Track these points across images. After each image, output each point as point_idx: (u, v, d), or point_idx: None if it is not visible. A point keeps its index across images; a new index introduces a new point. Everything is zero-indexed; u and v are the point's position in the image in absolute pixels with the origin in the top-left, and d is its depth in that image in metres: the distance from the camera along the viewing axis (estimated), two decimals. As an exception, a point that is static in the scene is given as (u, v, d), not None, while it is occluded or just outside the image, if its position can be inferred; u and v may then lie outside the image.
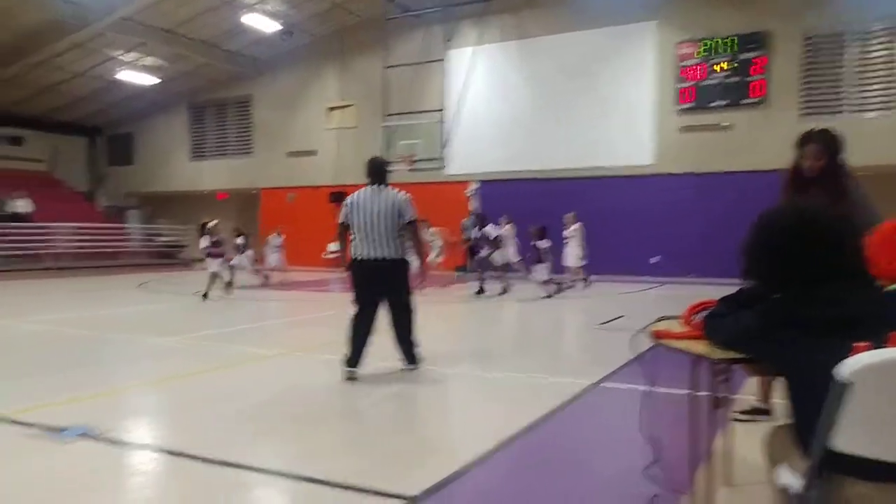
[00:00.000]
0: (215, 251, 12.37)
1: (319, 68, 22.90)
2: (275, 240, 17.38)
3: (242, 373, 6.22)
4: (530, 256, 12.79)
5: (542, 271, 12.48)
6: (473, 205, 18.70)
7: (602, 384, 5.53)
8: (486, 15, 19.34)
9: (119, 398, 5.34)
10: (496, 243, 13.56)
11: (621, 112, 17.84)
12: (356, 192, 5.90)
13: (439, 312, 11.01)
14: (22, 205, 20.53)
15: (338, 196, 22.21)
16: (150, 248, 23.33)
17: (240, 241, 15.60)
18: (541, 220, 13.11)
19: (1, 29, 17.95)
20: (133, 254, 21.86)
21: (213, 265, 12.25)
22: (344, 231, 5.97)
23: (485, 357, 7.13)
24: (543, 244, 12.43)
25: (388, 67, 18.82)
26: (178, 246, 24.28)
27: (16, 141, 24.49)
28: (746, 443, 3.43)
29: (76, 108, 24.31)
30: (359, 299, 5.78)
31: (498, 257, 13.64)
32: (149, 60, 21.16)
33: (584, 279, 14.83)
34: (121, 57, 20.53)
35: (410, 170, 18.82)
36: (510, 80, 19.66)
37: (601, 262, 15.72)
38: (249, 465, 3.57)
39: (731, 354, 2.16)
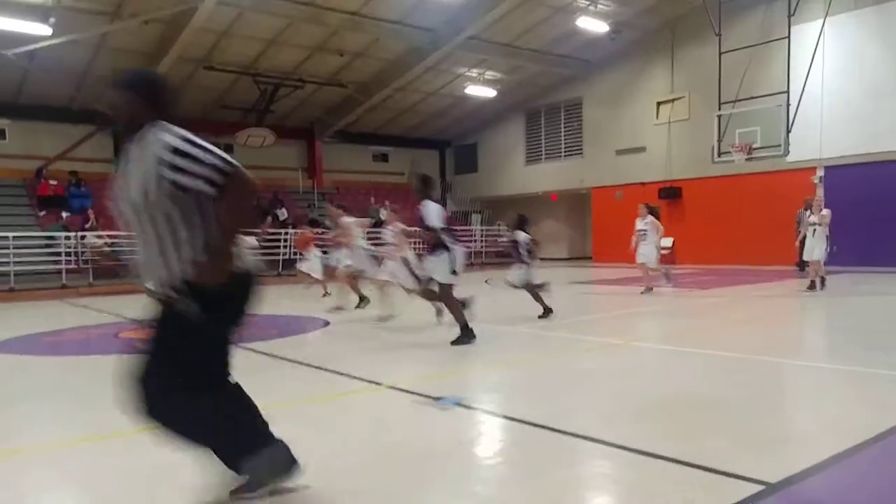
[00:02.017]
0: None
1: (648, 63, 22.49)
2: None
3: (586, 358, 6.43)
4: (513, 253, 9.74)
5: (519, 274, 9.47)
6: (818, 193, 16.70)
7: None
8: (838, -20, 17.14)
9: (476, 376, 5.93)
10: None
11: None
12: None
13: (778, 307, 10.05)
14: (385, 213, 23.95)
15: (668, 191, 21.61)
16: (491, 248, 25.31)
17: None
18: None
19: (372, 61, 21.16)
20: (477, 253, 23.94)
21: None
22: None
23: (835, 350, 6.59)
24: (522, 238, 9.47)
25: (724, 53, 17.63)
26: (514, 245, 25.85)
27: (383, 157, 28.67)
28: None
29: (430, 125, 27.52)
30: None
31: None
32: (489, 74, 23.02)
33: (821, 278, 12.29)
34: (466, 73, 22.68)
35: (748, 159, 17.42)
36: (867, 51, 17.28)
37: None
38: (610, 442, 3.69)
39: None
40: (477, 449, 3.91)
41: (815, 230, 11.97)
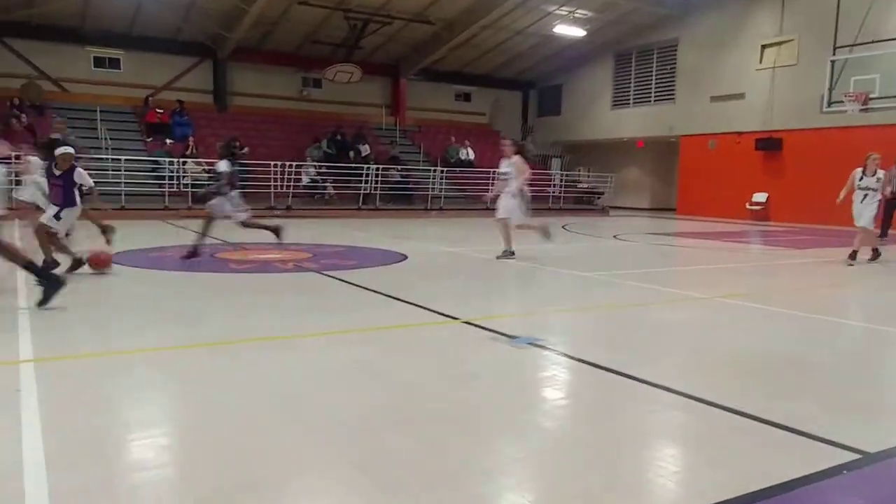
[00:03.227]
0: None
1: (755, 2, 21.06)
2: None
3: (665, 310, 6.28)
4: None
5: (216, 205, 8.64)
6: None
7: None
8: None
9: (551, 318, 5.89)
10: None
11: None
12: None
13: (877, 272, 9.49)
14: (465, 153, 23.75)
15: (767, 143, 20.47)
16: (569, 194, 24.84)
17: None
18: None
19: (460, -3, 20.71)
20: (555, 198, 23.55)
21: None
22: None
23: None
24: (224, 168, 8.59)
25: (843, -8, 16.29)
26: (596, 193, 25.34)
27: (465, 97, 28.30)
28: None
29: (514, 65, 26.87)
30: None
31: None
32: (580, 13, 22.13)
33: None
34: (556, 11, 21.89)
35: (863, 110, 16.20)
36: None
37: None
38: (685, 392, 3.60)
39: None
40: (548, 387, 3.90)
41: (866, 194, 9.87)
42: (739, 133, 21.41)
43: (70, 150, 6.92)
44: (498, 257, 9.38)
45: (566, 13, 22.06)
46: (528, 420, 3.27)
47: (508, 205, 9.46)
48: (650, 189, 27.93)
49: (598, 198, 25.11)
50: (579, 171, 26.62)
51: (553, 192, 23.35)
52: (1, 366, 3.83)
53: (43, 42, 19.73)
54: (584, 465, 2.73)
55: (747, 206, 21.13)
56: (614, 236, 14.19)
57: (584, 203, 24.78)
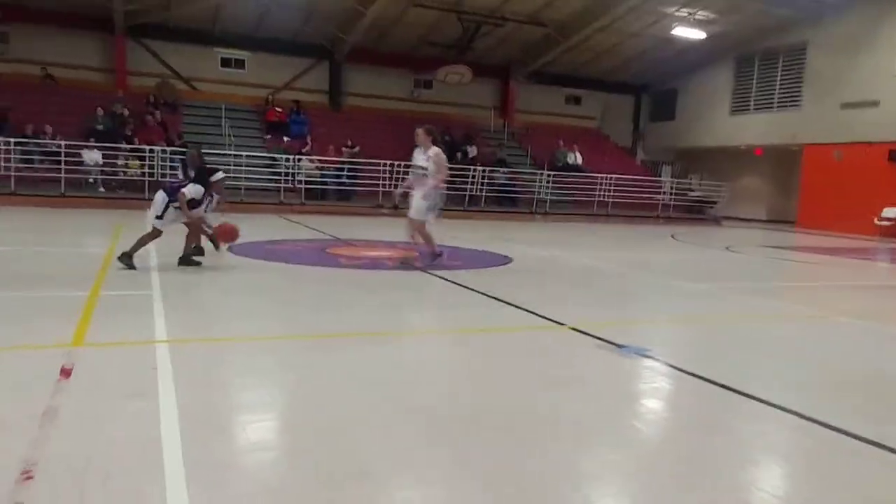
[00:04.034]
0: None
1: (893, 4, 19.58)
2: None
3: (774, 325, 5.98)
4: None
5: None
6: None
7: None
8: None
9: (658, 328, 5.75)
10: None
11: None
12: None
13: None
14: (574, 157, 23.42)
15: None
16: (680, 203, 24.01)
17: None
18: None
19: (575, 0, 20.45)
20: (664, 206, 22.84)
21: None
22: None
23: None
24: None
25: None
26: (708, 202, 24.36)
27: (575, 100, 27.93)
28: None
29: (627, 68, 26.24)
30: None
31: None
32: (701, 14, 21.31)
33: None
34: (675, 13, 21.20)
35: None
36: None
37: None
38: (793, 410, 3.43)
39: None
40: (655, 399, 3.84)
41: None
42: (870, 143, 19.97)
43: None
44: (405, 263, 8.22)
45: (686, 15, 21.30)
46: (631, 430, 3.23)
47: (420, 205, 8.02)
48: (767, 200, 26.52)
49: (711, 207, 24.13)
50: (691, 178, 25.67)
51: (662, 200, 22.66)
52: (139, 345, 4.18)
53: (177, 43, 21.18)
54: (686, 483, 2.67)
55: (876, 222, 19.67)
56: (727, 248, 13.62)
57: (696, 212, 23.89)
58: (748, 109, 24.67)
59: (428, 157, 8.00)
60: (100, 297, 5.48)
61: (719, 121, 25.66)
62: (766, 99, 24.00)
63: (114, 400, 3.18)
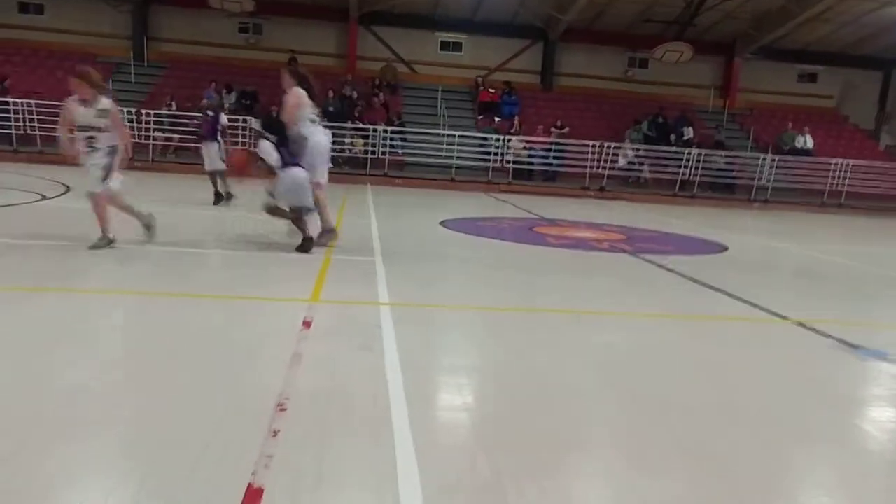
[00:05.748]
0: None
1: None
2: None
3: None
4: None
5: None
6: None
7: None
8: None
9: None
10: None
11: None
12: None
13: None
14: (803, 140, 21.24)
15: None
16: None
17: None
18: None
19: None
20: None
21: None
22: None
23: None
24: None
25: None
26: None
27: (810, 78, 25.24)
28: None
29: (875, 41, 23.12)
30: None
31: None
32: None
33: None
34: (942, -24, 18.33)
35: None
36: None
37: None
38: None
39: None
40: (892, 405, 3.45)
41: None
42: None
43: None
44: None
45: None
46: (862, 439, 2.95)
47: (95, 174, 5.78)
48: None
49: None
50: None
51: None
52: (366, 305, 4.60)
53: (400, 28, 22.47)
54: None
55: None
56: None
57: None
58: None
59: (101, 110, 5.76)
60: (331, 260, 6.09)
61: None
62: None
63: (347, 351, 3.55)
